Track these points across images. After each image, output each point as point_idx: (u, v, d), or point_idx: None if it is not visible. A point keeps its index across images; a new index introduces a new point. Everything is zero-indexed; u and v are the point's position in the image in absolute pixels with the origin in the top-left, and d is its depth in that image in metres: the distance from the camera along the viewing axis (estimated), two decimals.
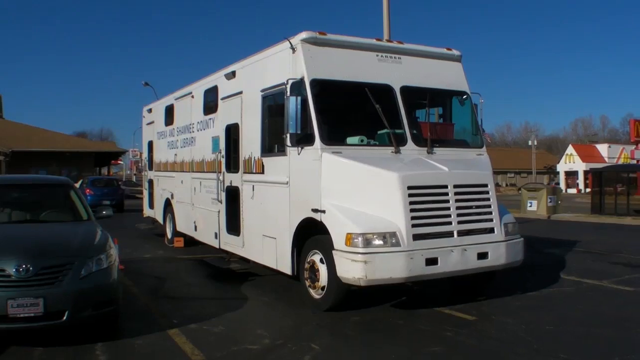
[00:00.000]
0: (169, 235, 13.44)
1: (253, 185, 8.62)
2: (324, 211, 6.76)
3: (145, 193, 16.20)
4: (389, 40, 8.01)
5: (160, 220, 14.33)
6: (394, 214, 6.42)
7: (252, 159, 8.61)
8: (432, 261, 6.45)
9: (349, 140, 7.26)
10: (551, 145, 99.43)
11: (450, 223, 6.67)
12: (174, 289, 8.41)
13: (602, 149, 62.55)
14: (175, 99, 12.93)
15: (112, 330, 5.96)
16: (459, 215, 6.73)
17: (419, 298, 7.70)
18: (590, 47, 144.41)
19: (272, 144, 8.00)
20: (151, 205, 15.41)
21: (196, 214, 11.40)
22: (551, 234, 16.31)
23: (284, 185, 7.63)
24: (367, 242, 6.26)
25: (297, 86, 7.14)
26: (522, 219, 22.64)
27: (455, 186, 6.77)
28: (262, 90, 8.25)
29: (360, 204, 6.61)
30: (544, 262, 10.70)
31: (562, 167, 63.92)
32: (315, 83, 7.09)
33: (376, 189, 6.58)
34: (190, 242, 12.32)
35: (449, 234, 6.66)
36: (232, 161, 9.47)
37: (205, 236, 10.96)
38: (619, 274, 9.37)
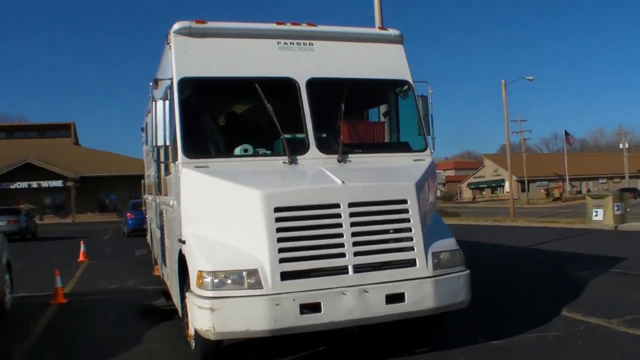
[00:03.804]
0: (153, 261, 12.53)
1: (164, 209, 7.40)
2: (184, 242, 5.35)
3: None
4: (295, 24, 6.43)
5: (150, 245, 13.54)
6: (257, 245, 4.86)
7: (162, 179, 7.40)
8: (311, 307, 4.78)
9: (237, 151, 5.82)
10: None
11: (342, 255, 4.95)
12: (81, 330, 7.32)
13: None
14: (145, 115, 12.07)
15: None
16: (356, 243, 4.98)
17: (347, 345, 6.00)
18: None
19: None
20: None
21: (154, 240, 10.39)
22: (600, 248, 13.62)
23: (171, 210, 6.33)
24: (219, 283, 4.76)
25: (169, 88, 5.85)
26: (584, 230, 19.73)
27: (351, 204, 5.05)
28: (161, 98, 7.01)
29: (224, 232, 5.11)
30: (554, 290, 8.51)
31: None
32: (184, 83, 5.76)
33: (240, 211, 5.05)
34: None
35: (342, 270, 4.94)
36: (159, 182, 8.31)
37: (159, 265, 9.90)
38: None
